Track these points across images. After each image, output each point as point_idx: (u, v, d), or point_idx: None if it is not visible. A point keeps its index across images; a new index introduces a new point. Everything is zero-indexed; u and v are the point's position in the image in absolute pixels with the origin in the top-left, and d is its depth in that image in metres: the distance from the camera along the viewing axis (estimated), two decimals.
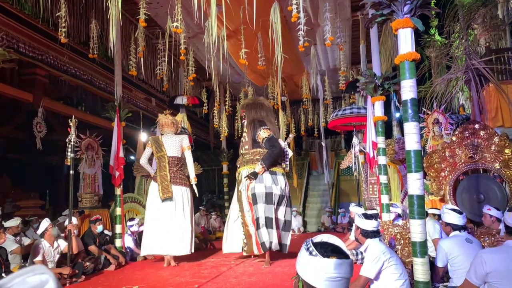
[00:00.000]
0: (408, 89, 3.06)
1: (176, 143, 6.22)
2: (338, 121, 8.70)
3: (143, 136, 9.98)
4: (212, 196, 15.82)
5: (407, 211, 3.67)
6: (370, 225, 3.39)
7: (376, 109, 5.82)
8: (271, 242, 5.39)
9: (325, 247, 1.37)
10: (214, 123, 11.89)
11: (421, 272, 2.92)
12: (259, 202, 5.48)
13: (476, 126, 5.76)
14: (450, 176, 5.82)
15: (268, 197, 5.50)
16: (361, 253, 4.51)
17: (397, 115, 11.31)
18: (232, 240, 5.87)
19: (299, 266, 1.41)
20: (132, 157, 12.03)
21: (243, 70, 9.82)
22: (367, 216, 3.49)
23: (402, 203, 6.92)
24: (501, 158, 5.48)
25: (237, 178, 6.02)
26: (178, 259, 6.02)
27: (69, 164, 5.19)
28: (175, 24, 6.27)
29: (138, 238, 7.14)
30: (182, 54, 7.11)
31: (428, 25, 11.64)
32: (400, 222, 5.14)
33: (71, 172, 5.12)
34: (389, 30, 8.44)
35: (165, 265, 5.83)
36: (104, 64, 9.38)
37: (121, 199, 7.01)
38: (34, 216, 7.81)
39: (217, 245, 7.75)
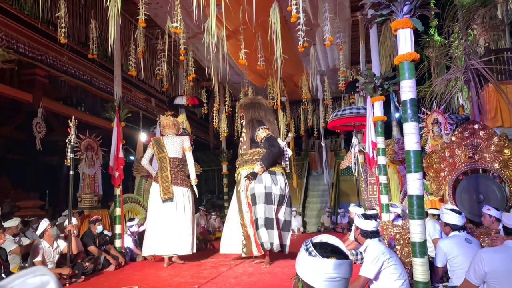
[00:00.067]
0: (407, 89, 3.06)
1: (177, 144, 6.25)
2: (338, 121, 8.71)
3: (142, 137, 9.99)
4: (211, 197, 15.82)
5: (407, 211, 3.67)
6: (370, 225, 3.39)
7: (375, 109, 5.82)
8: (271, 243, 5.35)
9: (324, 247, 1.37)
10: (214, 123, 11.89)
11: (420, 272, 2.92)
12: (259, 202, 5.45)
13: (476, 126, 5.76)
14: (449, 176, 5.82)
15: (268, 197, 5.48)
16: (361, 253, 4.51)
17: (397, 115, 11.32)
18: (231, 240, 5.85)
19: (299, 266, 1.41)
20: (131, 158, 12.03)
21: (242, 70, 9.83)
22: (366, 216, 3.50)
23: (401, 203, 6.92)
24: (501, 158, 5.48)
25: (236, 178, 6.01)
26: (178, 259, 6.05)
27: (68, 164, 5.19)
28: (174, 24, 6.27)
29: (137, 238, 7.15)
30: (182, 55, 7.11)
31: (427, 25, 11.66)
32: (399, 222, 5.14)
33: (71, 172, 5.13)
34: (389, 30, 8.45)
35: (165, 265, 5.84)
36: (104, 65, 9.38)
37: (121, 199, 7.01)
38: (34, 216, 7.81)
39: (217, 246, 7.74)
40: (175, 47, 7.13)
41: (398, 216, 5.80)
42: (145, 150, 9.45)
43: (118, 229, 6.84)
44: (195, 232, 6.22)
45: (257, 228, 5.40)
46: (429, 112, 7.41)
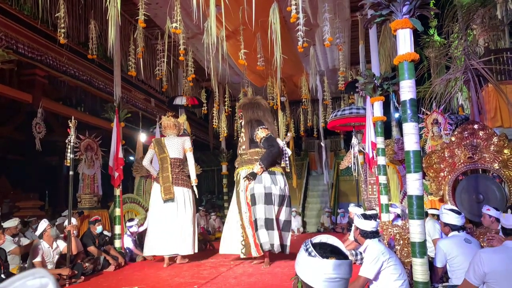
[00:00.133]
0: (407, 89, 3.06)
1: (178, 145, 6.28)
2: (337, 122, 8.71)
3: (142, 137, 9.99)
4: (211, 197, 15.81)
5: (406, 212, 3.67)
6: (369, 225, 3.39)
7: (375, 109, 5.82)
8: (272, 244, 5.32)
9: (324, 247, 1.37)
10: (214, 123, 11.89)
11: (420, 273, 2.92)
12: (259, 203, 5.43)
13: (475, 126, 5.76)
14: (449, 176, 5.82)
15: (268, 198, 5.46)
16: (360, 253, 4.51)
17: (396, 115, 11.32)
18: (231, 241, 5.85)
19: (298, 266, 1.41)
20: (131, 158, 12.03)
21: (242, 70, 9.83)
22: (366, 217, 3.50)
23: (401, 203, 6.92)
24: (500, 158, 5.48)
25: (235, 178, 6.00)
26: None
27: (68, 164, 5.19)
28: (174, 24, 6.27)
29: (137, 239, 7.15)
30: (181, 55, 7.10)
31: (427, 25, 11.67)
32: (399, 222, 5.14)
33: (71, 172, 5.13)
34: (388, 30, 8.45)
35: (165, 265, 5.84)
36: (103, 65, 9.38)
37: (121, 199, 7.01)
38: (33, 217, 7.81)
39: (217, 246, 7.73)
40: (175, 47, 7.13)
41: (397, 216, 5.80)
42: (144, 150, 9.50)
43: (117, 229, 6.84)
44: (196, 232, 6.24)
45: (256, 228, 5.38)
46: (428, 112, 7.41)
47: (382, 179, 5.71)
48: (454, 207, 4.10)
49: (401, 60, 3.09)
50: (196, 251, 6.15)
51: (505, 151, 5.47)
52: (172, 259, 6.10)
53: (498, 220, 4.24)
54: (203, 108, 11.37)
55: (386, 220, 5.42)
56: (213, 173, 15.96)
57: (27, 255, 5.12)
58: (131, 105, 10.30)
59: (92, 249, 5.91)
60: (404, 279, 3.14)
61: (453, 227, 3.68)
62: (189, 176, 6.33)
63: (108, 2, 4.97)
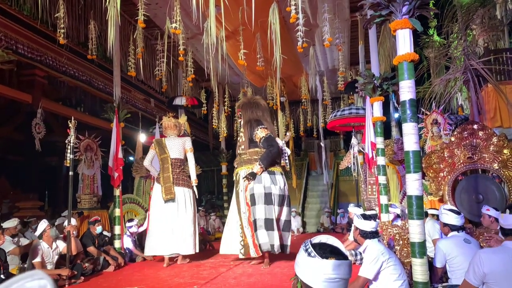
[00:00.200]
0: (406, 89, 3.06)
1: (179, 145, 6.30)
2: (337, 122, 8.71)
3: (142, 137, 9.98)
4: (211, 197, 15.82)
5: (406, 212, 3.67)
6: (369, 225, 3.39)
7: (374, 109, 5.83)
8: (272, 245, 5.30)
9: (323, 248, 1.37)
10: (213, 123, 11.89)
11: (420, 273, 2.92)
12: (258, 203, 5.41)
13: (475, 126, 5.76)
14: (449, 176, 5.82)
15: (268, 198, 5.45)
16: (360, 253, 4.51)
17: (396, 115, 11.33)
18: (231, 241, 5.85)
19: (298, 267, 1.41)
20: (131, 158, 12.03)
21: (242, 71, 9.83)
22: (365, 217, 3.50)
23: (401, 203, 6.92)
24: (500, 159, 5.48)
25: (235, 179, 6.00)
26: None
27: (68, 165, 5.19)
28: (174, 25, 6.27)
29: (137, 239, 7.15)
30: (181, 55, 7.10)
31: (426, 25, 11.66)
32: (399, 222, 5.14)
33: (70, 173, 5.13)
34: (388, 30, 8.45)
35: (165, 265, 5.85)
36: (103, 65, 9.38)
37: (120, 200, 7.00)
38: (33, 217, 7.81)
39: (216, 246, 7.74)
40: (174, 47, 7.13)
41: (397, 216, 5.80)
42: (144, 150, 9.51)
43: (117, 229, 6.84)
44: (197, 232, 6.26)
45: (255, 229, 5.36)
46: (428, 113, 7.41)
47: (381, 179, 5.71)
48: (454, 207, 4.10)
49: (401, 60, 3.09)
50: (198, 251, 6.16)
51: (505, 151, 5.47)
52: (172, 259, 6.10)
53: (497, 220, 4.24)
54: (203, 109, 11.36)
55: (385, 220, 5.42)
56: (212, 173, 15.97)
57: (27, 255, 5.12)
58: (131, 105, 10.30)
59: (91, 249, 5.91)
60: (403, 279, 3.14)
61: (453, 227, 3.68)
62: (189, 177, 6.35)
63: (107, 3, 4.97)
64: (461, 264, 3.30)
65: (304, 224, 12.63)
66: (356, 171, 8.84)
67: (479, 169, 5.91)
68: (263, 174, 5.53)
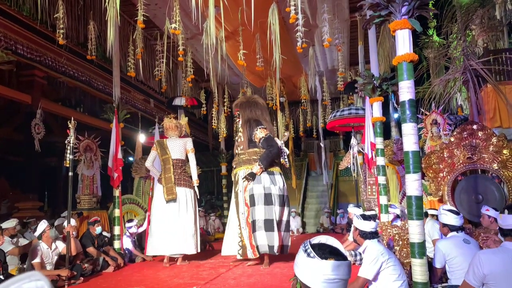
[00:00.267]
0: (406, 90, 3.06)
1: (180, 146, 6.32)
2: (337, 122, 8.71)
3: (141, 137, 9.98)
4: (210, 197, 15.83)
5: (406, 212, 3.67)
6: (368, 226, 3.39)
7: (374, 110, 5.83)
8: (271, 246, 5.27)
9: (323, 248, 1.37)
10: (213, 124, 11.89)
11: (419, 273, 2.92)
12: (258, 203, 5.39)
13: (474, 126, 5.77)
14: (448, 176, 5.82)
15: (268, 198, 5.43)
16: (360, 254, 4.51)
17: (395, 116, 11.32)
18: (232, 243, 5.83)
19: (297, 267, 1.41)
20: (130, 158, 12.02)
21: (241, 71, 9.82)
22: (365, 217, 3.50)
23: (400, 204, 6.92)
24: (499, 159, 5.49)
25: (233, 179, 5.97)
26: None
27: (67, 165, 5.18)
28: (173, 25, 6.26)
29: (136, 239, 7.14)
30: (181, 56, 7.10)
31: (426, 26, 11.67)
32: (398, 223, 5.14)
33: (70, 173, 5.12)
34: (387, 31, 8.46)
35: (166, 264, 5.89)
36: (102, 66, 9.38)
37: (120, 200, 7.00)
38: (33, 218, 7.81)
39: (216, 246, 7.75)
40: (174, 48, 7.13)
41: (397, 216, 5.80)
42: (144, 151, 9.51)
43: (117, 230, 6.84)
44: (198, 232, 6.28)
45: (254, 230, 5.34)
46: (428, 113, 7.41)
47: (381, 179, 5.70)
48: (453, 208, 4.09)
49: (400, 60, 3.10)
50: (199, 250, 6.18)
51: (504, 151, 5.48)
52: (172, 259, 6.11)
53: (497, 220, 4.25)
54: (202, 109, 11.36)
55: (385, 220, 5.42)
56: (212, 174, 15.99)
57: (26, 256, 5.12)
58: (130, 105, 10.31)
59: (91, 250, 5.91)
60: (403, 279, 3.14)
61: (452, 228, 3.68)
62: (191, 177, 6.36)
63: (107, 3, 4.97)
64: (460, 264, 3.31)
65: (303, 225, 12.63)
66: (355, 171, 8.83)
67: (479, 170, 5.92)
68: (262, 174, 5.51)
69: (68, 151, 5.12)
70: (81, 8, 8.00)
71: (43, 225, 5.12)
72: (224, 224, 10.28)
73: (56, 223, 6.55)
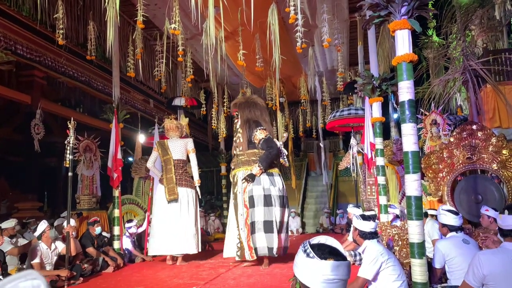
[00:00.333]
0: (405, 90, 3.06)
1: (181, 147, 6.35)
2: (336, 122, 8.71)
3: (141, 138, 9.98)
4: (210, 198, 15.83)
5: (405, 212, 3.68)
6: (368, 226, 3.39)
7: (374, 110, 5.83)
8: (271, 248, 5.25)
9: (322, 248, 1.37)
10: (213, 124, 11.89)
11: (419, 273, 2.92)
12: (258, 205, 5.38)
13: (474, 127, 5.77)
14: (448, 177, 5.83)
15: (267, 199, 5.41)
16: (359, 254, 4.52)
17: (395, 116, 11.32)
18: (232, 244, 5.82)
19: (297, 268, 1.41)
20: (130, 159, 12.02)
21: (241, 71, 9.82)
22: (364, 217, 3.50)
23: (400, 204, 6.93)
24: (499, 159, 5.49)
25: (232, 180, 5.95)
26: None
27: (67, 166, 5.18)
28: (173, 25, 6.26)
29: (136, 240, 7.14)
30: (180, 56, 7.10)
31: (425, 26, 11.67)
32: (398, 223, 5.14)
33: (70, 174, 5.12)
34: (387, 31, 8.46)
35: (169, 262, 5.92)
36: (102, 66, 9.38)
37: (119, 200, 7.00)
38: (32, 218, 7.81)
39: (216, 247, 7.75)
40: (174, 48, 7.12)
41: (396, 217, 5.80)
42: (143, 151, 9.51)
43: (116, 230, 6.84)
44: (199, 231, 6.30)
45: (253, 231, 5.32)
46: (427, 113, 7.42)
47: (381, 179, 5.70)
48: (452, 208, 4.10)
49: (400, 61, 3.10)
50: (200, 250, 6.20)
51: (504, 151, 5.48)
52: (173, 259, 6.12)
53: (496, 220, 4.25)
54: (202, 109, 11.36)
55: (385, 220, 5.42)
56: (212, 174, 15.98)
57: (26, 256, 5.11)
58: (130, 106, 10.31)
59: (90, 250, 5.90)
60: (403, 280, 3.15)
61: (451, 228, 3.68)
62: (192, 177, 6.38)
63: (106, 3, 4.97)
64: (460, 264, 3.31)
65: (303, 225, 12.63)
66: (355, 171, 8.84)
67: (478, 170, 5.92)
68: (262, 175, 5.50)
69: (68, 151, 5.12)
70: (80, 9, 8.00)
71: (43, 225, 5.12)
72: (224, 224, 10.29)
73: (55, 223, 6.55)
